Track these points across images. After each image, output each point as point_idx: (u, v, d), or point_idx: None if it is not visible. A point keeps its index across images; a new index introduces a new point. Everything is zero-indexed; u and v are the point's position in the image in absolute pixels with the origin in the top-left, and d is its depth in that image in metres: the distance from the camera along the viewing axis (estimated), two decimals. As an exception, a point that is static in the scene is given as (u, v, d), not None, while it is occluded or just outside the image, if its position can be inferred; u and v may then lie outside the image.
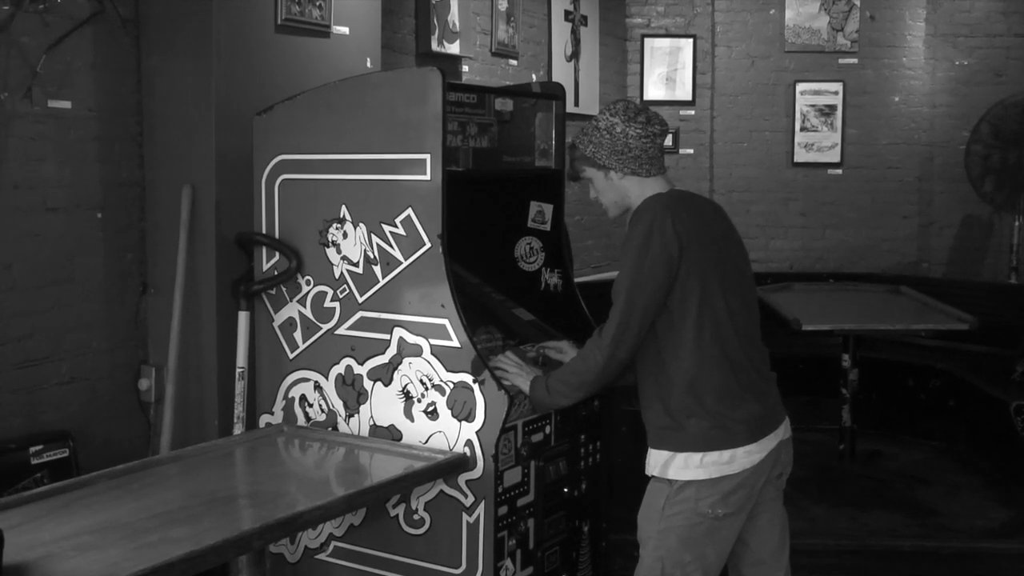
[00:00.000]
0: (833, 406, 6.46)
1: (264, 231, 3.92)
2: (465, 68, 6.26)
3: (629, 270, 3.16)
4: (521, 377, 3.51)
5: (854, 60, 8.83)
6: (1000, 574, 5.10)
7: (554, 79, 7.21)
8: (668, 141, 7.25)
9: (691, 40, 8.78)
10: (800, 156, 8.92)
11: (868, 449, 6.61)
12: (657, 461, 3.23)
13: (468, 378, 3.50)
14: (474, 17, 6.33)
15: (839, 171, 8.91)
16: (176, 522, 2.83)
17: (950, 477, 6.32)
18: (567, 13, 7.58)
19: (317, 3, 4.48)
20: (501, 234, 4.24)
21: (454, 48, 6.06)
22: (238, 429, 3.98)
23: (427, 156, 3.52)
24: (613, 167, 3.29)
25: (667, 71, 8.80)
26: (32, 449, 3.81)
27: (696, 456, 3.15)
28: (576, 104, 7.66)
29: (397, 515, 3.67)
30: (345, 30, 4.67)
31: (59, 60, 3.93)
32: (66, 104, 3.97)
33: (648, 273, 3.12)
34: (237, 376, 4.00)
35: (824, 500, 5.81)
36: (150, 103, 4.25)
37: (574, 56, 7.70)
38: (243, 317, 3.99)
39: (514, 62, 6.89)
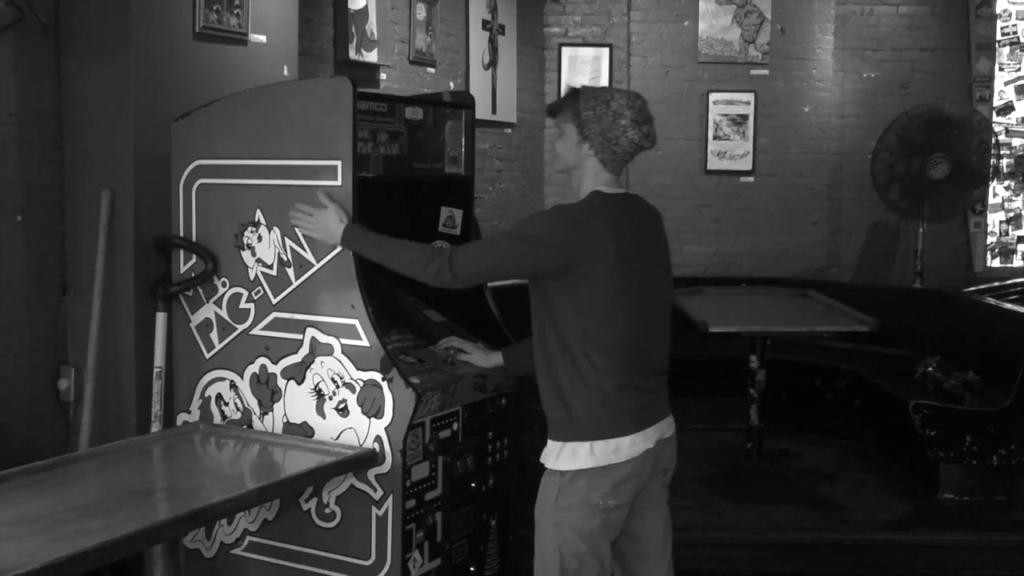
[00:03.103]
0: (742, 406, 6.60)
1: (182, 234, 4.00)
2: (383, 76, 6.34)
3: (520, 231, 3.40)
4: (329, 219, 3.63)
5: (765, 71, 8.97)
6: (897, 564, 5.31)
7: (472, 87, 7.32)
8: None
9: (607, 49, 8.90)
10: (713, 164, 9.04)
11: (776, 447, 6.76)
12: (549, 452, 3.34)
13: (377, 376, 3.62)
14: (392, 26, 6.41)
15: (751, 179, 9.06)
16: (92, 515, 2.91)
17: (855, 474, 6.51)
18: (485, 22, 7.68)
19: (235, 11, 4.55)
20: (413, 239, 4.33)
21: (372, 56, 6.14)
22: (156, 427, 4.05)
23: (338, 163, 3.64)
24: (591, 141, 3.35)
25: (584, 80, 8.89)
26: (-49, 448, 3.85)
27: (584, 445, 3.24)
28: (494, 112, 7.78)
29: (309, 509, 3.78)
30: (262, 38, 4.74)
31: (-22, 66, 3.97)
32: (-14, 109, 4.02)
33: (529, 248, 3.29)
34: (155, 376, 4.07)
35: (732, 496, 5.97)
36: (70, 108, 4.30)
37: (492, 64, 7.81)
38: (161, 318, 4.06)
39: (432, 70, 6.97)
